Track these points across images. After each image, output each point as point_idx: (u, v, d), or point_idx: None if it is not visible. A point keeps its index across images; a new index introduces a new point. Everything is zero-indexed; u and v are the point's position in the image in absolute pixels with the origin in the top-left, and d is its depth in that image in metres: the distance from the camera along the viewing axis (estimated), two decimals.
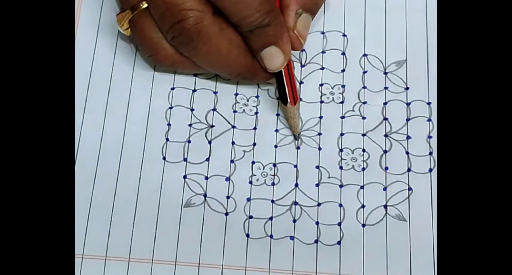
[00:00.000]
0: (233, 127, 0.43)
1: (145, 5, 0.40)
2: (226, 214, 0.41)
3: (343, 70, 0.44)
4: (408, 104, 0.43)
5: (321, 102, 0.44)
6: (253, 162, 0.42)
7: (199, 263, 0.40)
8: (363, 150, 0.42)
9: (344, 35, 0.45)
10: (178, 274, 0.40)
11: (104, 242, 0.40)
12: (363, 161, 0.42)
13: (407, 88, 0.44)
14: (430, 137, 0.43)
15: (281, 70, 0.41)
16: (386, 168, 0.42)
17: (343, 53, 0.45)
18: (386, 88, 0.44)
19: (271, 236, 0.40)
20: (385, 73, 0.44)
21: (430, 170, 0.42)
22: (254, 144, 0.43)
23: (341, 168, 0.42)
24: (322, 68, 0.45)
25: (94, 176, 0.42)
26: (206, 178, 0.42)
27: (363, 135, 0.43)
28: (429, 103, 0.43)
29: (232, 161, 0.42)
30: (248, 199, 0.41)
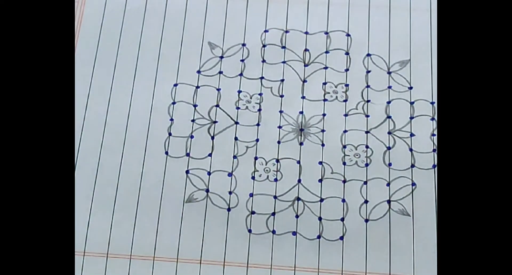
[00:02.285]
0: (236, 123, 0.43)
1: None
2: (228, 209, 0.41)
3: (347, 70, 0.44)
4: (411, 103, 0.43)
5: (325, 100, 0.44)
6: (256, 158, 0.42)
7: (200, 260, 0.40)
8: (367, 147, 0.42)
9: (348, 35, 0.45)
10: (180, 271, 0.39)
11: (106, 239, 0.40)
12: (367, 157, 0.42)
13: (410, 88, 0.44)
14: (434, 135, 0.42)
15: None
16: (390, 164, 0.41)
17: (347, 53, 0.45)
18: (389, 87, 0.44)
19: (273, 232, 0.40)
20: (389, 73, 0.44)
21: (434, 166, 0.41)
22: (257, 140, 0.42)
23: (344, 163, 0.42)
24: (326, 68, 0.45)
25: (96, 171, 0.42)
26: (209, 173, 0.41)
27: (367, 132, 0.43)
28: (432, 103, 0.43)
29: (234, 157, 0.42)
30: (251, 195, 0.41)
